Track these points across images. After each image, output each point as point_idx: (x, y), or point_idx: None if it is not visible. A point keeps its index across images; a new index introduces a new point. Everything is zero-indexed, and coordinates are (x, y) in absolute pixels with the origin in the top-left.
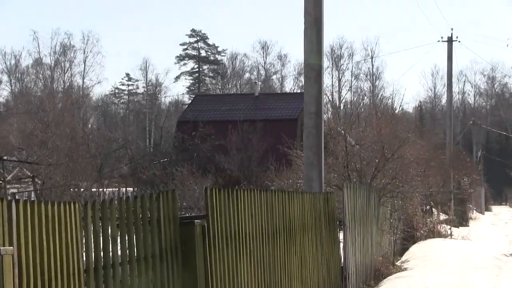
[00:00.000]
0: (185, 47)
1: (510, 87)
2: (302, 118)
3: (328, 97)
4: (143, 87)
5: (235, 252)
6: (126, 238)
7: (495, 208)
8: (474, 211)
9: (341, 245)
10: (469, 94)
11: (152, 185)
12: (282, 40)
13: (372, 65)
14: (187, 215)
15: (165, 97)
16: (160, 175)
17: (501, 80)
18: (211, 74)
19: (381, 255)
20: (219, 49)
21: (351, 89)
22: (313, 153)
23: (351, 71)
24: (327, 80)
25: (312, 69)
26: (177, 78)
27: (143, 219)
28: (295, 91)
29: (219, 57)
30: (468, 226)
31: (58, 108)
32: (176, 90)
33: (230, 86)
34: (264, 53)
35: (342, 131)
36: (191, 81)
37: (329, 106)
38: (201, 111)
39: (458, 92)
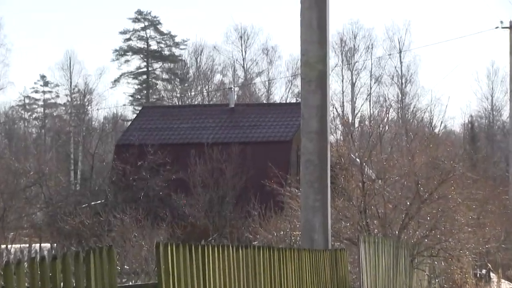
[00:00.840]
0: (127, 36)
1: None
2: (298, 139)
3: (336, 110)
4: (66, 95)
5: None
6: None
7: None
8: None
9: None
10: None
11: (79, 239)
12: (269, 27)
13: (401, 63)
14: (130, 283)
15: (97, 109)
16: (90, 224)
17: None
18: (165, 76)
19: None
20: (176, 40)
21: (370, 98)
22: (315, 191)
23: (370, 72)
24: (335, 84)
25: (313, 68)
26: (116, 82)
27: None
28: (288, 101)
29: (177, 52)
30: None
31: None
32: (114, 99)
33: (193, 93)
34: (243, 46)
35: (358, 160)
36: (136, 87)
37: (337, 122)
38: (151, 130)
39: None
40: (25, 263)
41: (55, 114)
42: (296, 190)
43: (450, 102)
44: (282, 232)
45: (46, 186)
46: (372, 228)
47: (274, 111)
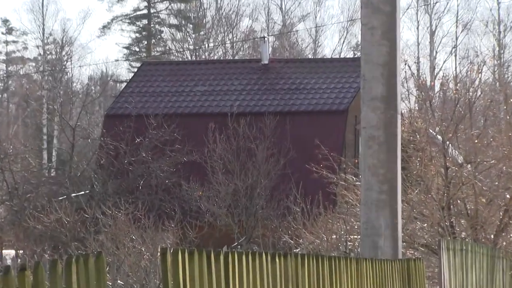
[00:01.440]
0: None
1: None
2: (357, 109)
3: (409, 68)
4: (37, 46)
5: None
6: None
7: None
8: None
9: None
10: None
11: (55, 243)
12: None
13: (498, 3)
14: None
15: (80, 66)
16: (71, 223)
17: None
18: (173, 21)
19: None
20: None
21: (455, 52)
22: (380, 180)
23: (457, 15)
24: (408, 33)
25: (377, 10)
26: (105, 28)
27: None
28: (341, 56)
29: None
30: None
31: None
32: (103, 53)
33: (212, 44)
34: None
35: (439, 137)
36: (133, 36)
37: (411, 85)
38: (154, 95)
39: None
40: None
41: (21, 73)
42: (354, 178)
43: None
44: (334, 236)
45: (10, 171)
46: (458, 231)
47: (323, 69)
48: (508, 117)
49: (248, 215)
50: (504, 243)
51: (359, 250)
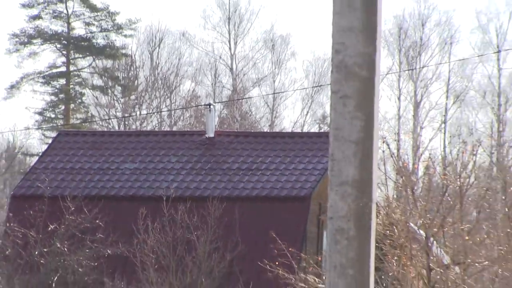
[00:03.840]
0: (35, 12)
1: None
2: (322, 196)
3: (388, 147)
4: None
5: None
6: None
7: None
8: None
9: None
10: None
11: None
12: (277, 7)
13: (499, 71)
14: None
15: None
16: None
17: None
18: (97, 82)
19: None
20: (118, 20)
21: (445, 129)
22: (349, 283)
23: (447, 84)
24: (387, 103)
25: (352, 74)
26: (14, 89)
27: None
28: (304, 130)
29: (118, 40)
30: None
31: None
32: (12, 119)
33: (144, 112)
34: (233, 34)
35: (421, 232)
36: (47, 99)
37: (389, 167)
38: (72, 173)
39: None
40: None
41: None
42: (317, 280)
43: None
44: None
45: None
46: None
47: (281, 146)
48: (507, 209)
49: None
50: None
51: None
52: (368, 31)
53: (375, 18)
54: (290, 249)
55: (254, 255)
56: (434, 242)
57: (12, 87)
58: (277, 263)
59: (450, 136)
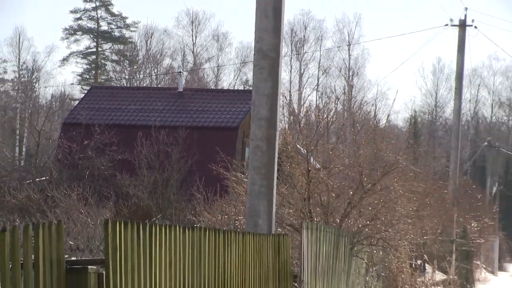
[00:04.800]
0: (78, 15)
1: None
2: (245, 126)
3: (285, 98)
4: (14, 71)
5: None
6: None
7: None
8: (484, 271)
9: None
10: (484, 104)
11: (23, 214)
12: (220, 13)
13: (349, 56)
14: (76, 258)
15: (45, 87)
16: (36, 200)
17: None
18: (114, 57)
19: None
20: (127, 22)
21: (317, 89)
22: (262, 177)
23: (319, 63)
24: (284, 74)
25: (266, 56)
26: (64, 61)
27: (13, 262)
28: (236, 88)
29: (127, 33)
30: None
31: None
32: (63, 78)
33: (142, 76)
34: (194, 31)
35: (303, 149)
36: (84, 67)
37: (285, 111)
38: (99, 110)
39: (470, 100)
40: None
41: (2, 90)
42: (242, 175)
43: (397, 96)
44: (226, 216)
45: None
46: (314, 216)
47: (222, 97)
48: (353, 137)
49: (163, 199)
50: (347, 226)
51: (244, 227)
52: (275, 30)
53: (280, 23)
54: (226, 157)
55: (205, 161)
56: (311, 155)
57: (64, 59)
58: (219, 165)
59: (320, 94)
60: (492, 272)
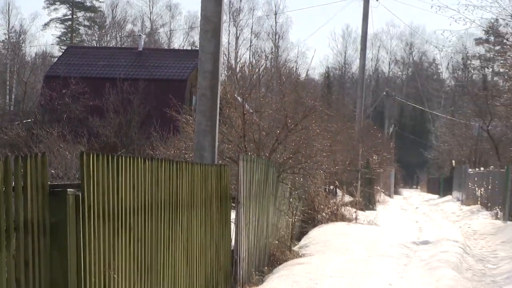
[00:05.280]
0: None
1: (429, 56)
2: (192, 79)
3: (225, 56)
4: (4, 34)
5: (113, 227)
6: None
7: (405, 192)
8: (382, 194)
9: (233, 226)
10: (383, 62)
11: (13, 148)
12: None
13: (276, 23)
14: (57, 183)
15: (30, 47)
16: (24, 137)
17: (420, 48)
18: (86, 23)
19: (277, 238)
20: None
21: (250, 49)
22: (206, 119)
23: (251, 28)
24: (224, 37)
25: (210, 21)
26: (46, 25)
27: (6, 186)
28: (185, 48)
29: (97, 4)
30: (375, 210)
31: None
32: (44, 39)
33: (109, 38)
34: (151, 2)
35: (240, 97)
36: (62, 30)
37: (225, 67)
38: (74, 66)
39: (372, 59)
40: None
41: None
42: (190, 118)
43: (314, 56)
44: (178, 150)
45: None
46: (249, 150)
47: (174, 55)
48: (280, 87)
49: (127, 137)
50: (274, 158)
51: (192, 159)
52: (217, 1)
53: None
54: (178, 103)
55: (160, 107)
56: (246, 102)
57: (45, 24)
58: (172, 109)
59: (254, 52)
60: (389, 195)
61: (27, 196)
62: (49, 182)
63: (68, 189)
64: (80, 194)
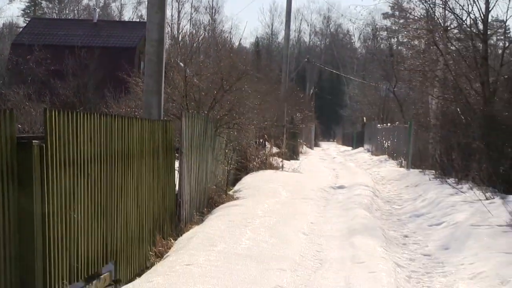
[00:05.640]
0: None
1: (344, 27)
2: (141, 47)
3: (169, 27)
4: None
5: (73, 174)
6: None
7: (324, 144)
8: (305, 146)
9: (177, 173)
10: (304, 33)
11: None
12: None
13: None
14: (24, 135)
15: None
16: None
17: (336, 21)
18: None
19: (215, 184)
20: None
21: (191, 21)
22: (154, 81)
23: (191, 3)
24: (168, 11)
25: None
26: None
27: None
28: (134, 20)
29: None
30: (299, 160)
31: None
32: (11, 12)
33: (67, 11)
34: None
35: (181, 63)
36: (26, 4)
37: (169, 36)
38: (37, 35)
39: (295, 30)
40: None
41: None
42: (139, 80)
43: (245, 27)
44: (129, 108)
45: None
46: (190, 108)
47: (125, 26)
48: (217, 53)
49: (84, 97)
50: (212, 115)
51: (142, 115)
52: (162, 4)
53: None
54: (129, 67)
55: (114, 70)
56: (187, 66)
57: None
58: (124, 73)
59: (194, 24)
60: (310, 147)
61: None
62: (16, 135)
63: (33, 141)
64: (44, 145)
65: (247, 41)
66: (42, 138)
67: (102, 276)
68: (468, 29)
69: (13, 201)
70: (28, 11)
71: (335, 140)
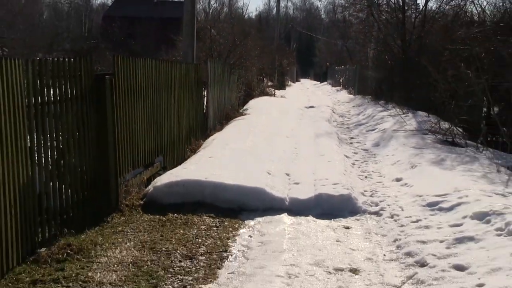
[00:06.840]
0: None
1: (315, 5)
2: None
3: (200, 4)
4: None
5: (133, 98)
6: (58, 86)
7: (303, 80)
8: (289, 81)
9: (205, 99)
10: (289, 8)
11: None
12: None
13: None
14: (99, 72)
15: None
16: (89, 49)
17: (310, 0)
18: None
19: (230, 105)
20: None
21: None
22: (189, 39)
23: None
24: None
25: None
26: None
27: (70, 74)
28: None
29: None
30: (285, 89)
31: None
32: None
33: None
34: None
35: (208, 26)
36: None
37: (201, 10)
38: (118, 9)
39: (283, 7)
40: (50, 61)
41: (75, 2)
42: (181, 39)
43: (251, 4)
44: (174, 58)
45: (70, 33)
46: (214, 56)
47: (174, 3)
48: (231, 21)
49: (149, 50)
50: (228, 61)
51: (182, 60)
52: None
53: None
54: (180, 31)
55: (166, 33)
56: (212, 29)
57: None
58: (173, 34)
59: (217, 1)
60: (293, 82)
61: (82, 79)
62: (95, 73)
63: (106, 76)
64: (113, 79)
65: (253, 14)
66: (112, 74)
67: (155, 164)
68: (393, 5)
69: (93, 116)
70: None
71: (309, 78)
